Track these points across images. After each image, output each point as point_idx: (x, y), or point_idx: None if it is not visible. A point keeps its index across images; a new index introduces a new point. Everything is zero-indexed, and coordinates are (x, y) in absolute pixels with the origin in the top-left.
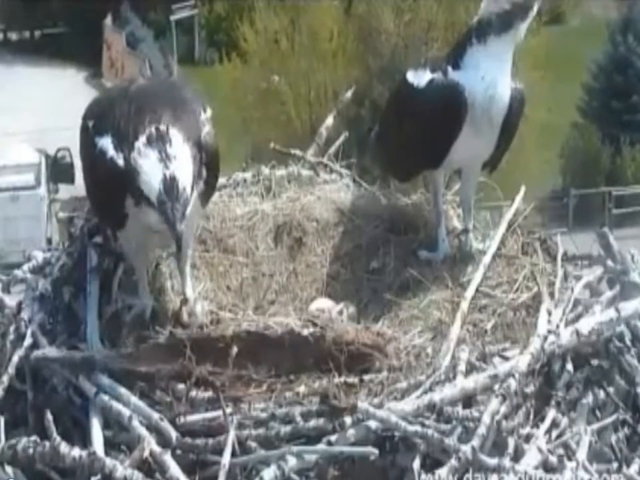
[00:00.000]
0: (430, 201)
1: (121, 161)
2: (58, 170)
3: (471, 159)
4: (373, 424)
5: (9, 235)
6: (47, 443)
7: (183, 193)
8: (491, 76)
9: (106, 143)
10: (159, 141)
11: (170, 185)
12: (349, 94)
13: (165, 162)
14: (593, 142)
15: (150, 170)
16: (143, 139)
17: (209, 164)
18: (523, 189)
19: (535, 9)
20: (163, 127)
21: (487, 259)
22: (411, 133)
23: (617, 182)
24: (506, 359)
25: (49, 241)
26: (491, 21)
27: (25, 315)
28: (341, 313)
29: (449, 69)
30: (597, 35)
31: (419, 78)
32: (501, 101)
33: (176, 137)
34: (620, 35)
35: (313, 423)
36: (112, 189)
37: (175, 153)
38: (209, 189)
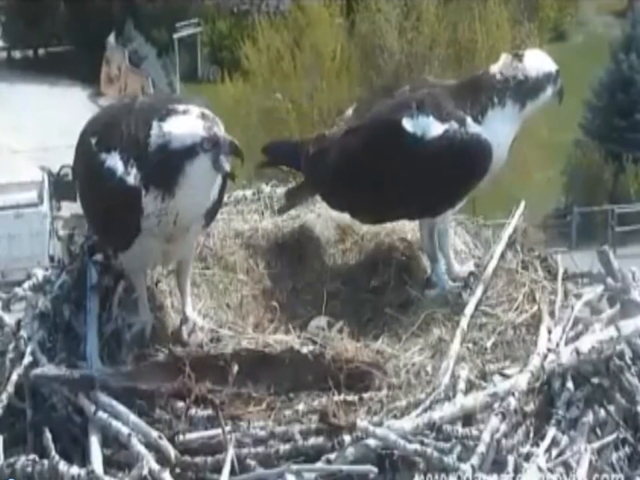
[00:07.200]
0: (423, 240)
1: (131, 179)
2: (61, 187)
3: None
4: (372, 442)
5: (12, 252)
6: (46, 462)
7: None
8: (505, 132)
9: (114, 161)
10: None
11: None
12: (349, 111)
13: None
14: (595, 160)
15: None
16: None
17: None
18: (522, 204)
19: (548, 93)
20: None
21: (487, 275)
22: (411, 183)
23: (619, 200)
24: (506, 377)
25: (52, 258)
26: (509, 86)
27: (24, 332)
28: (340, 330)
29: (468, 120)
30: (599, 53)
31: (423, 127)
32: (503, 155)
33: None
34: (623, 53)
35: (312, 441)
36: (121, 207)
37: None
38: (215, 205)
